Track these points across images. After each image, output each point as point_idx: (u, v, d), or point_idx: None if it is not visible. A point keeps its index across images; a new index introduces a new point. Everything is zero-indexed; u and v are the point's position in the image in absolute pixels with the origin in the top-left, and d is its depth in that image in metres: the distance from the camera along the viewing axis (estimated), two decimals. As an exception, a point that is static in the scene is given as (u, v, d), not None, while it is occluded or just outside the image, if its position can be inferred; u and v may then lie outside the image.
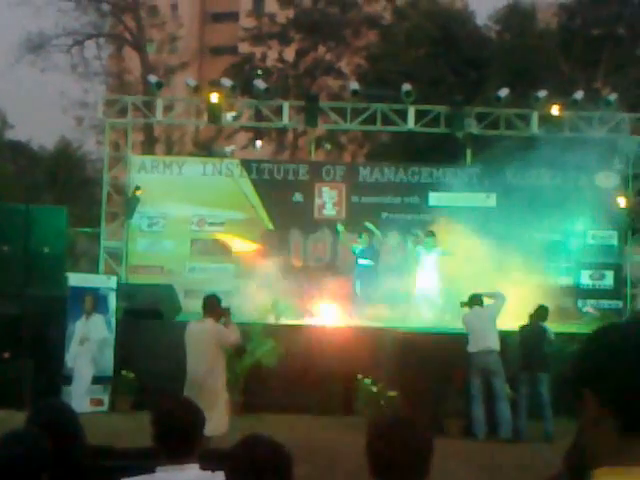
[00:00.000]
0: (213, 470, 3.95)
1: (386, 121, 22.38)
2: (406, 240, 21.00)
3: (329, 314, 18.01)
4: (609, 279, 21.79)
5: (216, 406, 10.50)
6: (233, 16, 52.98)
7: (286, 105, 22.77)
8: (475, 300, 14.73)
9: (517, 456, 12.08)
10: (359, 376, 15.56)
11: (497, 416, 14.06)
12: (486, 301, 14.77)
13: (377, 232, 20.10)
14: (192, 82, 23.12)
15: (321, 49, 38.27)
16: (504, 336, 14.57)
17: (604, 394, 1.86)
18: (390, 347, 15.52)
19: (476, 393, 14.22)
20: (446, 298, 18.62)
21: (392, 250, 21.21)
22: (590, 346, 1.95)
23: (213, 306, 11.14)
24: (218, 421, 10.27)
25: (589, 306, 21.13)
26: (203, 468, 4.09)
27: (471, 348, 14.25)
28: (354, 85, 23.14)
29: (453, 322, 16.55)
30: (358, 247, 19.98)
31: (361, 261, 19.96)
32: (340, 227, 20.52)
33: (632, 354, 1.85)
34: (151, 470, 4.12)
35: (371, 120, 22.42)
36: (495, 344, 14.18)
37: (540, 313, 14.64)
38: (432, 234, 19.38)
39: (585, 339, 1.99)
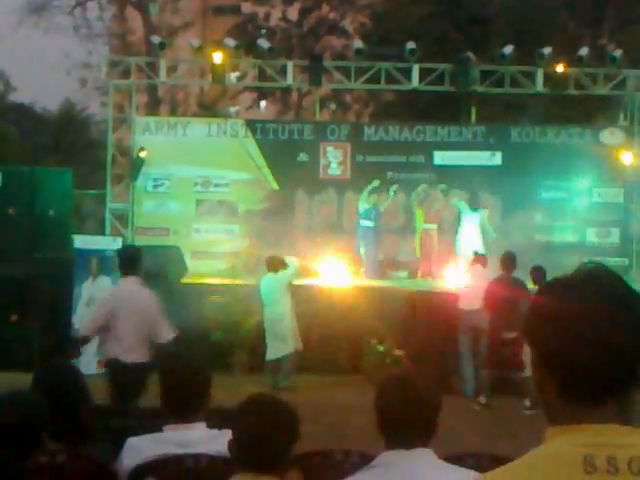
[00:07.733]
0: (220, 428, 3.97)
1: (390, 80, 22.25)
2: (411, 200, 20.95)
3: (335, 274, 18.02)
4: (615, 236, 21.72)
5: (293, 332, 14.14)
6: (236, -25, 52.51)
7: (290, 65, 22.64)
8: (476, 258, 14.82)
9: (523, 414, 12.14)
10: (365, 335, 15.60)
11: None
12: None
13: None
14: (195, 42, 22.98)
15: (325, 8, 37.92)
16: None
17: (542, 356, 1.85)
18: (396, 306, 15.53)
19: (465, 351, 14.11)
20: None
21: (397, 210, 21.16)
22: (533, 307, 1.92)
23: (271, 263, 14.30)
24: (296, 341, 14.19)
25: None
26: (210, 427, 4.11)
27: (461, 306, 14.09)
28: (358, 44, 23.00)
29: None
30: (363, 207, 20.01)
31: (363, 222, 19.96)
32: (376, 182, 20.48)
33: (564, 318, 1.81)
34: (159, 429, 4.14)
35: (375, 79, 22.27)
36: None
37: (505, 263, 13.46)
38: (477, 191, 19.68)
39: (532, 299, 1.95)
